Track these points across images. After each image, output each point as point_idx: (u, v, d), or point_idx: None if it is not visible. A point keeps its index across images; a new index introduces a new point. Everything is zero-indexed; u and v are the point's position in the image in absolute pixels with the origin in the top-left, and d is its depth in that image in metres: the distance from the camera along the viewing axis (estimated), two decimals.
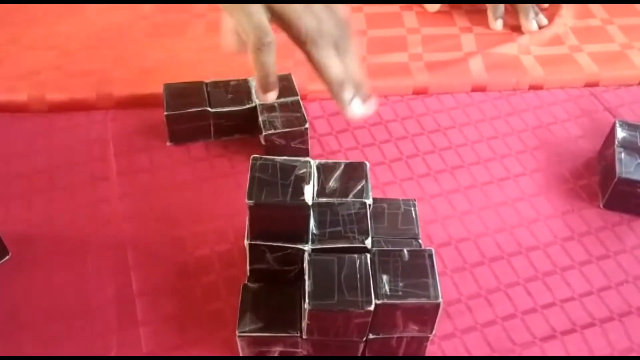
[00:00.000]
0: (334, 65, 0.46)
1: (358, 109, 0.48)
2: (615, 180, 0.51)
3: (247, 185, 0.39)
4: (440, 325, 0.43)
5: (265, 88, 0.48)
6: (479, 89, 0.64)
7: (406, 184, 0.54)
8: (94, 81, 0.61)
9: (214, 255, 0.49)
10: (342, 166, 0.45)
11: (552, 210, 0.53)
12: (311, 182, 0.40)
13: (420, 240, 0.44)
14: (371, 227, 0.42)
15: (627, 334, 0.45)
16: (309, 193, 0.39)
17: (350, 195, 0.43)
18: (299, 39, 0.46)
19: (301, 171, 0.40)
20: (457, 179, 0.55)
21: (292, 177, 0.40)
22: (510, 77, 0.64)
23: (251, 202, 0.39)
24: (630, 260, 0.50)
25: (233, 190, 0.53)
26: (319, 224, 0.42)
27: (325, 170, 0.44)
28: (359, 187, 0.44)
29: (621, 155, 0.52)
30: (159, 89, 0.57)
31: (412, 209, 0.46)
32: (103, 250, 0.49)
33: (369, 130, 0.59)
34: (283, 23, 0.46)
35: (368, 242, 0.41)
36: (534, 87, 0.64)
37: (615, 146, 0.53)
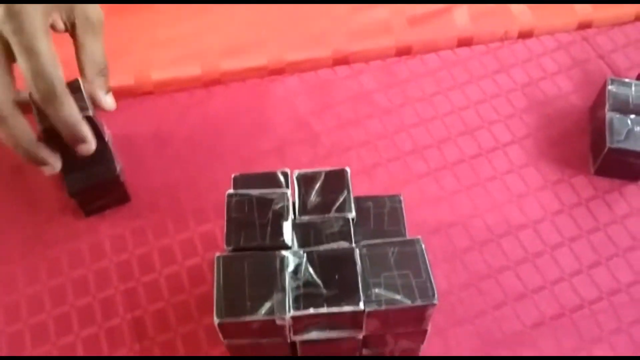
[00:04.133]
0: (100, 49, 0.47)
1: (111, 100, 0.49)
2: (605, 150, 0.50)
3: (225, 229, 0.38)
4: (432, 320, 0.43)
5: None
6: (465, 42, 0.60)
7: (392, 165, 0.53)
8: None
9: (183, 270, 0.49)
10: (323, 176, 0.44)
11: (542, 181, 0.52)
12: (289, 218, 0.39)
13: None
14: (356, 232, 0.42)
15: (615, 314, 0.46)
16: (288, 232, 0.39)
17: (333, 210, 0.43)
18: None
19: (278, 206, 0.40)
20: (444, 154, 0.54)
21: (270, 214, 0.39)
22: (498, 26, 0.61)
23: (229, 247, 0.38)
24: (620, 232, 0.50)
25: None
26: (303, 242, 0.41)
27: (305, 183, 0.43)
28: (341, 199, 0.43)
29: (612, 120, 0.50)
30: None
31: (399, 205, 0.46)
32: None
33: (353, 103, 0.57)
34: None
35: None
36: (523, 35, 0.61)
37: (606, 110, 0.51)
